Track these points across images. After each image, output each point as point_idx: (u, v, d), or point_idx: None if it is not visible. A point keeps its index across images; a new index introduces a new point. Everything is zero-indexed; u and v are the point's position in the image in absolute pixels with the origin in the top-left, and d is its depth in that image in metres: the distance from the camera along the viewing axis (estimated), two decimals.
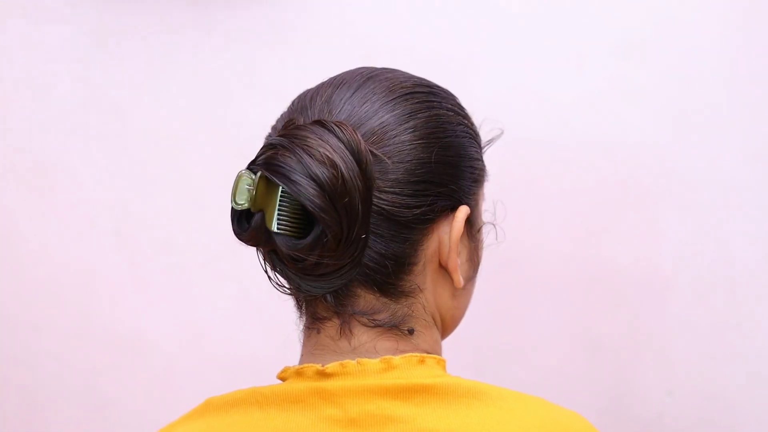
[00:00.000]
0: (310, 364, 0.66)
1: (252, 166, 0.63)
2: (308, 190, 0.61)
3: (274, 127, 0.71)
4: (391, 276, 0.66)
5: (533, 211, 1.24)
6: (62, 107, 1.33)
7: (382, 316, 0.67)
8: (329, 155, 0.61)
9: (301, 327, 0.71)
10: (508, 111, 1.24)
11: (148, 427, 1.33)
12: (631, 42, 1.22)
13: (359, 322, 0.67)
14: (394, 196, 0.65)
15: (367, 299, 0.67)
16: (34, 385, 1.36)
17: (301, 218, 0.63)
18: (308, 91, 0.72)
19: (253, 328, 1.32)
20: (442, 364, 0.68)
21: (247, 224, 0.64)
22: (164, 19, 1.30)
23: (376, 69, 0.72)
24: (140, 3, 1.30)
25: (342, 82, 0.69)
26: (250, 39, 1.29)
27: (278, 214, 0.62)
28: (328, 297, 0.66)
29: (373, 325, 0.67)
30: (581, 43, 1.23)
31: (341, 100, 0.68)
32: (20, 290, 1.36)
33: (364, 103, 0.67)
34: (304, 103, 0.69)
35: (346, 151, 0.62)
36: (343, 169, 0.61)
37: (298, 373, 0.67)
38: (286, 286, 0.69)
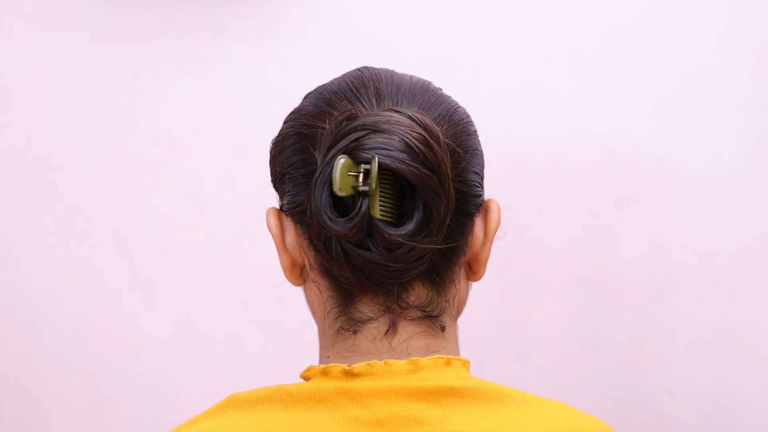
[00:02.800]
0: (336, 364, 0.65)
1: (353, 153, 0.60)
2: (423, 172, 0.60)
3: (294, 124, 0.69)
4: (446, 269, 0.67)
5: (533, 210, 1.24)
6: (62, 107, 1.33)
7: (429, 308, 0.67)
8: (426, 137, 0.61)
9: (329, 330, 0.68)
10: (508, 110, 1.24)
11: (149, 427, 1.33)
12: (631, 42, 1.22)
13: (407, 317, 0.66)
14: (461, 185, 0.66)
15: (419, 292, 0.66)
16: (34, 385, 1.36)
17: (397, 204, 0.62)
18: (338, 87, 0.69)
19: (253, 328, 1.32)
20: (467, 366, 0.68)
21: (344, 214, 0.61)
22: (164, 19, 1.30)
23: (396, 71, 0.72)
24: (140, 3, 1.30)
25: (378, 78, 0.69)
26: (250, 39, 1.29)
27: (380, 200, 0.61)
28: (395, 290, 0.65)
29: (420, 316, 0.66)
30: (580, 42, 1.23)
31: (392, 93, 0.67)
32: (20, 290, 1.36)
33: (414, 96, 0.67)
34: (347, 95, 0.68)
35: (430, 138, 0.61)
36: (440, 152, 0.61)
37: (324, 373, 0.65)
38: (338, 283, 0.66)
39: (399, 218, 0.62)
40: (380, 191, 0.60)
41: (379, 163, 0.59)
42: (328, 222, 0.61)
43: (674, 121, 1.21)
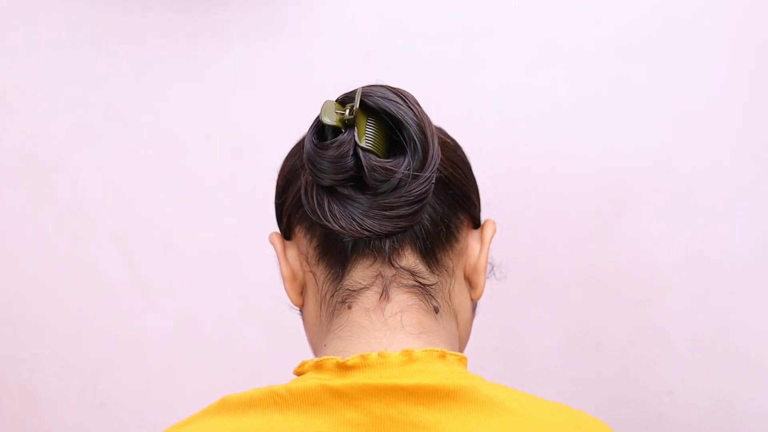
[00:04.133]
0: (330, 357, 0.66)
1: (340, 101, 0.66)
2: (408, 110, 0.64)
3: (295, 156, 0.74)
4: (438, 243, 0.69)
5: (533, 210, 1.24)
6: (62, 107, 1.33)
7: (419, 275, 0.69)
8: (414, 97, 0.66)
9: (325, 316, 0.70)
10: (507, 111, 1.24)
11: (148, 427, 1.33)
12: (631, 44, 1.22)
13: (399, 283, 0.68)
14: (453, 171, 0.70)
15: (410, 259, 0.69)
16: (34, 385, 1.36)
17: (385, 143, 0.65)
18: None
19: (253, 328, 1.32)
20: (463, 361, 0.68)
21: (331, 138, 0.65)
22: (164, 19, 1.30)
23: None
24: (140, 4, 1.30)
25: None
26: (251, 40, 1.29)
27: (368, 139, 0.64)
28: (387, 245, 0.67)
29: (413, 284, 0.68)
30: (581, 44, 1.23)
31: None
32: (20, 290, 1.36)
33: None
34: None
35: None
36: (425, 112, 0.66)
37: (318, 366, 0.66)
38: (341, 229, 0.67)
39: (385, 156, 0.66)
40: (367, 134, 0.64)
41: (361, 96, 0.64)
42: (313, 143, 0.64)
43: (675, 122, 1.21)
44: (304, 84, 1.27)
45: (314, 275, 0.71)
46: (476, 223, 0.75)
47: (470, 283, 0.74)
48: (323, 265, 0.70)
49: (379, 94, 0.64)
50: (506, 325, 1.26)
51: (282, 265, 0.74)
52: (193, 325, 1.33)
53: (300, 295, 0.74)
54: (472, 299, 0.75)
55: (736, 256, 1.21)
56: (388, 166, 0.63)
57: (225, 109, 1.31)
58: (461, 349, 0.76)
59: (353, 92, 0.66)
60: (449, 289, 0.71)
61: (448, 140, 0.73)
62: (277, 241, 0.74)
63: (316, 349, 0.73)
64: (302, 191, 0.66)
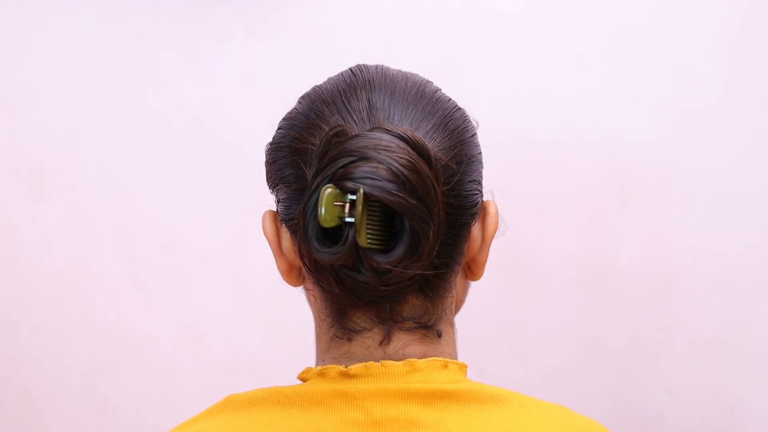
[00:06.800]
0: (333, 365, 0.65)
1: (340, 182, 0.59)
2: (410, 202, 0.59)
3: (286, 135, 0.68)
4: (439, 281, 0.66)
5: (533, 210, 1.24)
6: (62, 107, 1.33)
7: (424, 319, 0.66)
8: (414, 163, 0.59)
9: (324, 337, 0.68)
10: (508, 110, 1.24)
11: (148, 427, 1.34)
12: (631, 42, 1.22)
13: (401, 328, 0.66)
14: (455, 199, 0.65)
15: (413, 304, 0.66)
16: (34, 386, 1.36)
17: (386, 228, 0.61)
18: (331, 95, 0.69)
19: (253, 328, 1.32)
20: (464, 369, 0.67)
21: (333, 243, 0.60)
22: (164, 20, 1.30)
23: (392, 70, 0.71)
24: (139, 3, 1.30)
25: (371, 87, 0.68)
26: (251, 40, 1.29)
27: (368, 227, 0.60)
28: (387, 306, 0.65)
29: (415, 327, 0.66)
30: (581, 43, 1.23)
31: (385, 105, 0.66)
32: (20, 290, 1.36)
33: (407, 106, 0.66)
34: (338, 108, 0.67)
35: (422, 160, 0.60)
36: (430, 176, 0.60)
37: (321, 374, 0.65)
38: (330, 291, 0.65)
39: (388, 242, 0.61)
40: (368, 218, 0.59)
41: (364, 194, 0.59)
42: (315, 252, 0.60)
43: (675, 121, 1.21)
44: (305, 85, 1.26)
45: (311, 291, 0.68)
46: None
47: (469, 268, 0.71)
48: (320, 292, 0.67)
49: (380, 184, 0.59)
50: (506, 325, 1.26)
51: (278, 261, 0.70)
52: (193, 325, 1.33)
53: (299, 277, 0.70)
54: (468, 279, 0.72)
55: (736, 256, 1.21)
56: (389, 266, 0.60)
57: (225, 109, 1.31)
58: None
59: (349, 159, 0.60)
60: (451, 303, 0.69)
61: (452, 158, 0.65)
62: (270, 231, 0.69)
63: (317, 338, 0.71)
64: (298, 244, 0.63)
